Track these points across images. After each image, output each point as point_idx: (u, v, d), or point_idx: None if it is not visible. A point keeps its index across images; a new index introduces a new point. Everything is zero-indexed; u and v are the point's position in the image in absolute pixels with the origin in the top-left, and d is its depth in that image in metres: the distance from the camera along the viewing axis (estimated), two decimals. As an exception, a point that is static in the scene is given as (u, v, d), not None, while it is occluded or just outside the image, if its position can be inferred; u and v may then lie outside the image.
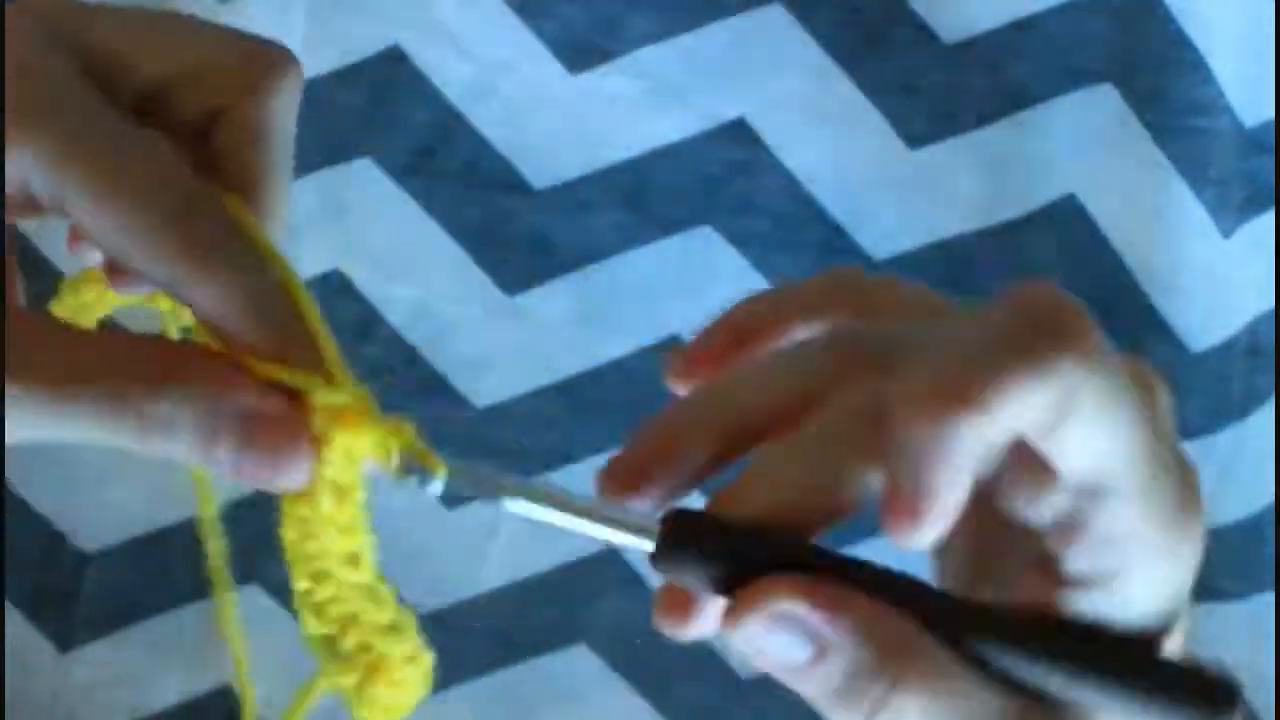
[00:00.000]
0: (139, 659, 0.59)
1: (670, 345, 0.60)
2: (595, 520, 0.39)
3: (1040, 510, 0.39)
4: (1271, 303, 0.63)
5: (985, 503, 0.39)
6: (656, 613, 0.41)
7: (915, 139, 0.60)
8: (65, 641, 0.59)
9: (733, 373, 0.42)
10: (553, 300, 0.60)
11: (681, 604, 0.40)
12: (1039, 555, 0.39)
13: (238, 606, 0.59)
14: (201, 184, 0.40)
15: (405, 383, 0.59)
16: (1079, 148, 0.61)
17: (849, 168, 0.60)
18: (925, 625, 0.39)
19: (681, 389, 0.44)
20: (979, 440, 0.36)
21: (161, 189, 0.39)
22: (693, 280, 0.60)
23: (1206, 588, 0.63)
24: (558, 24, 0.59)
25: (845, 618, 0.38)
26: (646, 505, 0.40)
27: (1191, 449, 0.63)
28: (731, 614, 0.38)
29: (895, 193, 0.61)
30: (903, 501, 0.37)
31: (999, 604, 0.41)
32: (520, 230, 0.59)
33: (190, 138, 0.43)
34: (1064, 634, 0.40)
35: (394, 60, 0.58)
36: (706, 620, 0.41)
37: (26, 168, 0.39)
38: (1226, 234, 0.62)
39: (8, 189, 0.40)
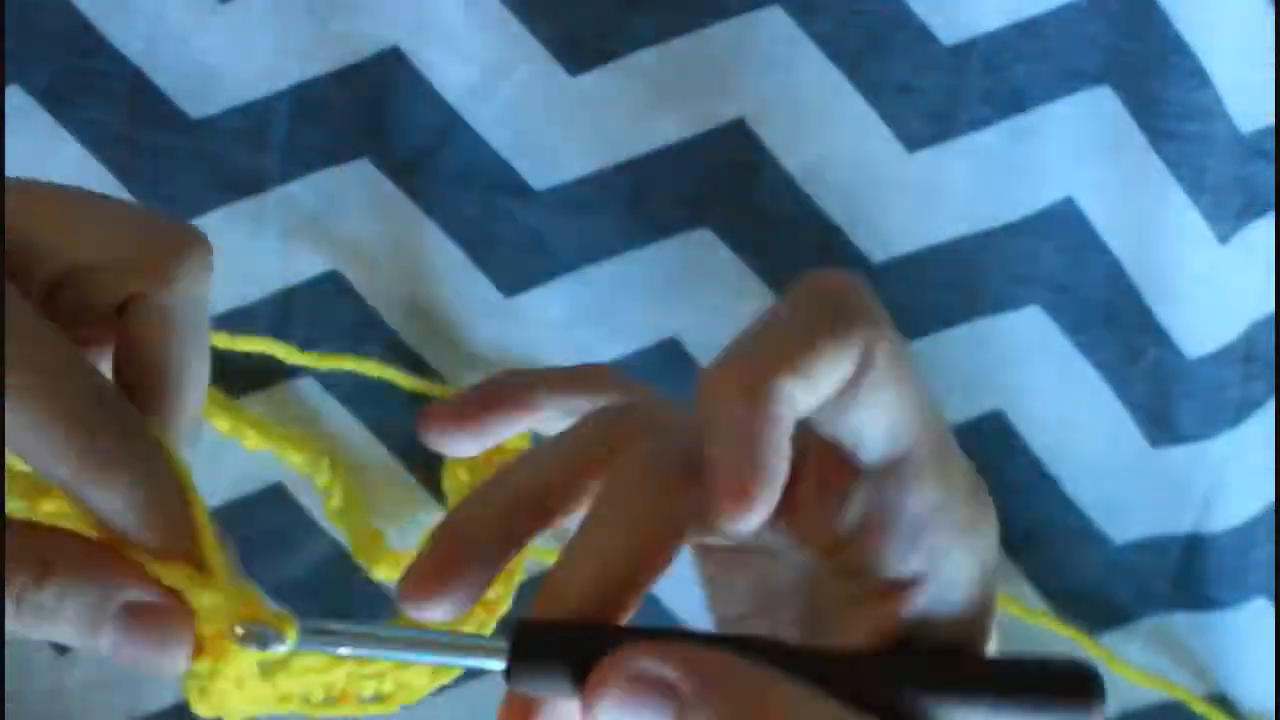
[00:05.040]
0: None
1: (669, 347, 0.60)
2: (444, 651, 0.41)
3: (846, 513, 0.41)
4: (1268, 309, 0.63)
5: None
6: None
7: (914, 141, 0.60)
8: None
9: (509, 463, 0.44)
10: (551, 301, 0.60)
11: (524, 711, 0.42)
12: (864, 589, 0.42)
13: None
14: (104, 382, 0.41)
15: (403, 383, 0.59)
16: (1077, 151, 0.61)
17: (848, 170, 0.60)
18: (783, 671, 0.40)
19: (433, 441, 0.47)
20: (793, 406, 0.39)
21: (66, 393, 0.39)
22: (692, 282, 0.60)
23: (1198, 596, 0.64)
24: (558, 24, 0.59)
25: (701, 671, 0.39)
26: (446, 609, 0.41)
27: (1186, 455, 0.63)
28: (589, 698, 0.39)
29: (894, 195, 0.61)
30: (730, 481, 0.38)
31: (846, 646, 0.42)
32: (519, 231, 0.59)
33: (103, 321, 0.43)
34: (920, 662, 0.41)
35: (394, 61, 0.58)
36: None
37: None
38: (1223, 240, 0.62)
39: None
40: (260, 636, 0.40)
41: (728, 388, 0.39)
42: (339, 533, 0.59)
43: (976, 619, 0.42)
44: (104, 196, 0.44)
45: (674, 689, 0.38)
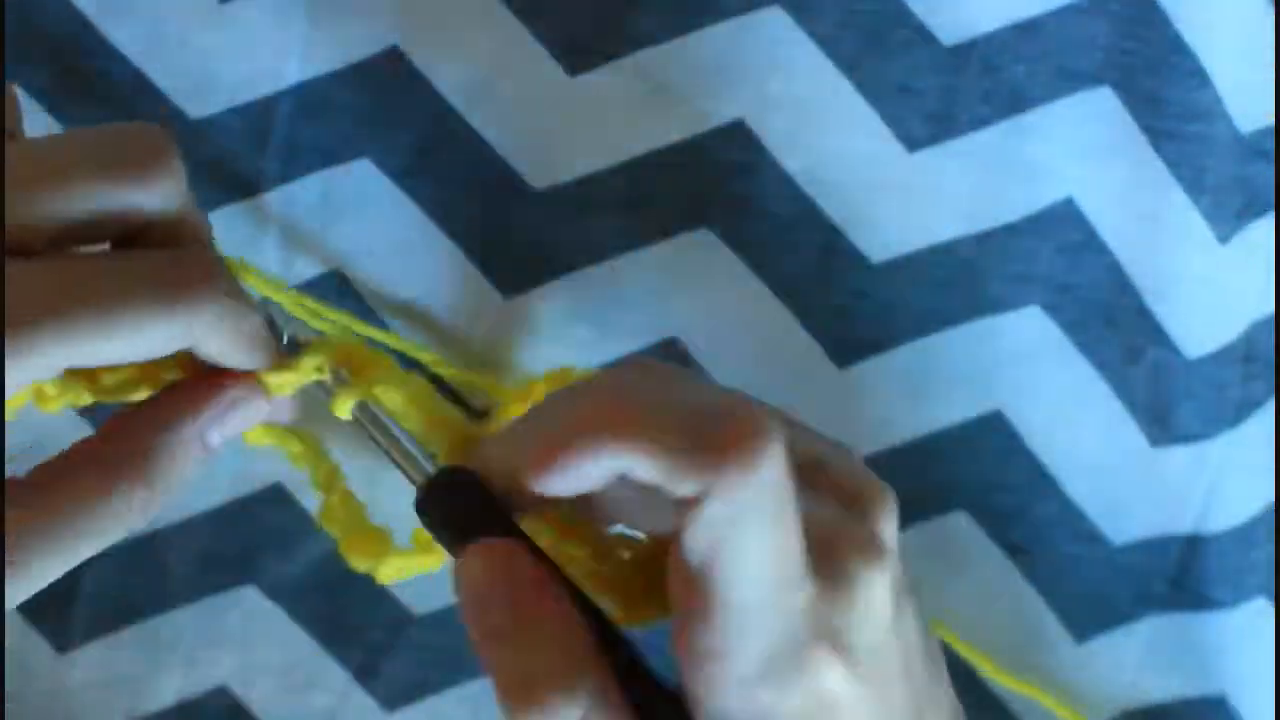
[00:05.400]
0: (136, 660, 0.59)
1: (669, 347, 0.60)
2: (389, 444, 0.48)
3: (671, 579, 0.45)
4: (1268, 309, 0.63)
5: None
6: None
7: (914, 141, 0.60)
8: (62, 642, 0.59)
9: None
10: (552, 301, 0.60)
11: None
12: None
13: (237, 608, 0.59)
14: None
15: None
16: (1077, 151, 0.61)
17: (848, 170, 0.60)
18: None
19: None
20: (603, 462, 0.43)
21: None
22: (691, 282, 0.60)
23: (1197, 596, 0.64)
24: (557, 24, 0.59)
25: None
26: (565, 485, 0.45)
27: (1186, 455, 0.63)
28: (458, 561, 0.45)
29: (894, 195, 0.61)
30: (533, 453, 0.44)
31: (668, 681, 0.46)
32: (519, 231, 0.59)
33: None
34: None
35: (393, 60, 0.58)
36: None
37: None
38: (1223, 240, 0.62)
39: None
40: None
41: (582, 409, 0.45)
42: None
43: None
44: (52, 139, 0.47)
45: (514, 602, 0.44)
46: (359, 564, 0.51)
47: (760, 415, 0.43)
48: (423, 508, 0.46)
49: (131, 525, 0.45)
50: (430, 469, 0.47)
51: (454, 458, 0.48)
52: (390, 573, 0.51)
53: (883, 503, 0.48)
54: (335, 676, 0.60)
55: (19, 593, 0.44)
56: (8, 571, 0.43)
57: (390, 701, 0.60)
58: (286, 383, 0.48)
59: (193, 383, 0.47)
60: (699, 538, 0.43)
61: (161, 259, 0.45)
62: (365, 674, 0.60)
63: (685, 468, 0.43)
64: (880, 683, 0.46)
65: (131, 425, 0.46)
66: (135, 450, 0.46)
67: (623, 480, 0.44)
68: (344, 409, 0.48)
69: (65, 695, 0.59)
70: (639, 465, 0.43)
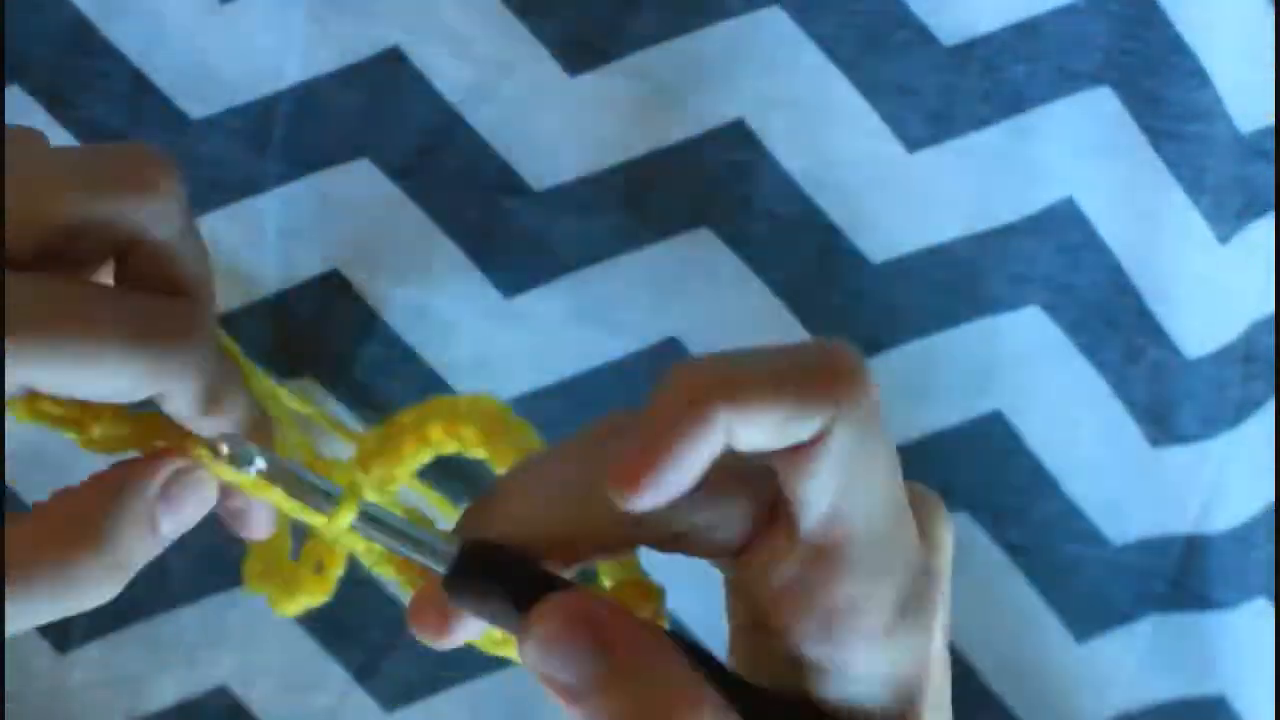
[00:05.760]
0: (136, 660, 0.59)
1: (669, 347, 0.60)
2: (396, 537, 0.44)
3: (777, 574, 0.42)
4: (1268, 309, 0.63)
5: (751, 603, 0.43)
6: (411, 621, 0.44)
7: (914, 141, 0.60)
8: (63, 642, 0.59)
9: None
10: (551, 302, 0.60)
11: (436, 614, 0.44)
12: (788, 652, 0.42)
13: (237, 608, 0.59)
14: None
15: (404, 384, 0.59)
16: (1077, 151, 0.61)
17: (847, 170, 0.60)
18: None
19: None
20: (723, 436, 0.39)
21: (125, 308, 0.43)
22: (691, 282, 0.60)
23: (1198, 596, 0.64)
24: (557, 24, 0.59)
25: (635, 640, 0.41)
26: (654, 497, 0.41)
27: (1186, 455, 0.63)
28: (532, 622, 0.41)
29: (894, 195, 0.61)
30: (622, 464, 0.40)
31: (768, 688, 0.43)
32: (519, 231, 0.59)
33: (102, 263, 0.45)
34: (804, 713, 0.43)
35: (393, 61, 0.58)
36: (462, 632, 0.44)
37: None
38: (1223, 240, 0.62)
39: None
40: (237, 458, 0.44)
41: (678, 387, 0.40)
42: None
43: (899, 716, 0.43)
44: (54, 148, 0.46)
45: (608, 645, 0.41)
46: (289, 610, 0.52)
47: (838, 343, 0.41)
48: (457, 587, 0.43)
49: (94, 596, 0.44)
50: (444, 546, 0.43)
51: (468, 528, 0.44)
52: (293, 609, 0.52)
53: None
54: (335, 676, 0.60)
55: None
56: None
57: (390, 702, 0.60)
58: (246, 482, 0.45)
59: (148, 454, 0.45)
60: (831, 473, 0.41)
61: (144, 300, 0.43)
62: (365, 674, 0.60)
63: (807, 404, 0.40)
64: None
65: (83, 493, 0.44)
66: (86, 519, 0.44)
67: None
68: (344, 520, 0.45)
69: (65, 695, 0.59)
70: (756, 421, 0.40)
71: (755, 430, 0.40)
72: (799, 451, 0.40)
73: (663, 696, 0.41)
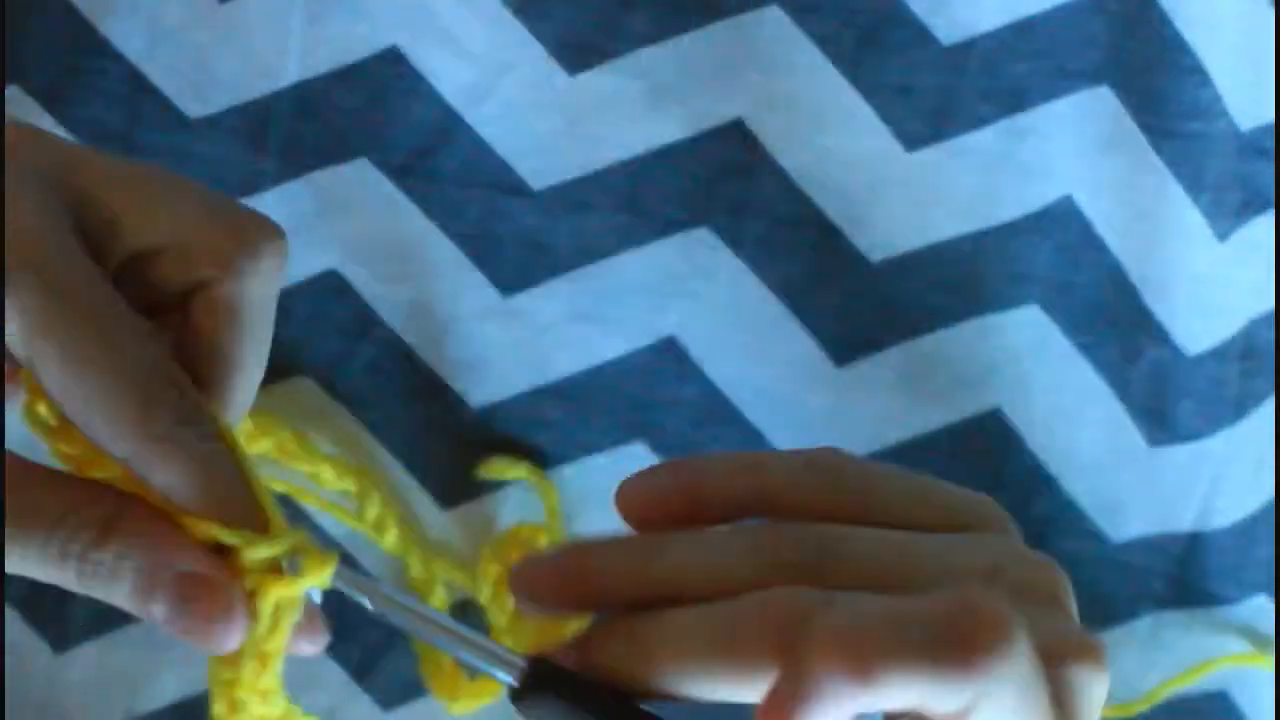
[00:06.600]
0: (134, 659, 0.59)
1: (669, 347, 0.60)
2: (465, 646, 0.42)
3: None
4: (1267, 306, 0.63)
5: None
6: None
7: (912, 140, 0.60)
8: (60, 642, 0.59)
9: (677, 534, 0.43)
10: (550, 301, 0.60)
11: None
12: None
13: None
14: (169, 364, 0.42)
15: (402, 383, 0.59)
16: (1076, 150, 0.61)
17: (846, 170, 0.60)
18: None
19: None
20: (855, 703, 0.37)
21: (129, 369, 0.40)
22: (690, 281, 0.60)
23: (1200, 593, 0.64)
24: (556, 24, 0.59)
25: None
26: (533, 607, 0.42)
27: (1186, 453, 0.63)
28: None
29: (893, 194, 0.61)
30: (777, 710, 0.37)
31: None
32: (518, 231, 0.59)
33: (169, 303, 0.44)
34: None
35: (392, 61, 0.58)
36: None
37: (8, 320, 0.40)
38: (1222, 238, 0.62)
39: None
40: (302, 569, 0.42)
41: (816, 659, 0.37)
42: (342, 540, 0.59)
43: None
44: (184, 180, 0.45)
45: None
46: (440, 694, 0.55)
47: (996, 602, 0.38)
48: (527, 701, 0.42)
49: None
50: (510, 658, 0.42)
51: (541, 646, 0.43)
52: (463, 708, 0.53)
53: (1067, 587, 0.44)
54: (333, 676, 0.60)
55: None
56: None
57: (388, 701, 0.60)
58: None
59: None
60: None
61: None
62: (363, 673, 0.60)
63: (948, 684, 0.37)
64: None
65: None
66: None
67: None
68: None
69: (64, 694, 0.59)
70: (894, 698, 0.37)
71: (895, 702, 0.38)
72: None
73: None
